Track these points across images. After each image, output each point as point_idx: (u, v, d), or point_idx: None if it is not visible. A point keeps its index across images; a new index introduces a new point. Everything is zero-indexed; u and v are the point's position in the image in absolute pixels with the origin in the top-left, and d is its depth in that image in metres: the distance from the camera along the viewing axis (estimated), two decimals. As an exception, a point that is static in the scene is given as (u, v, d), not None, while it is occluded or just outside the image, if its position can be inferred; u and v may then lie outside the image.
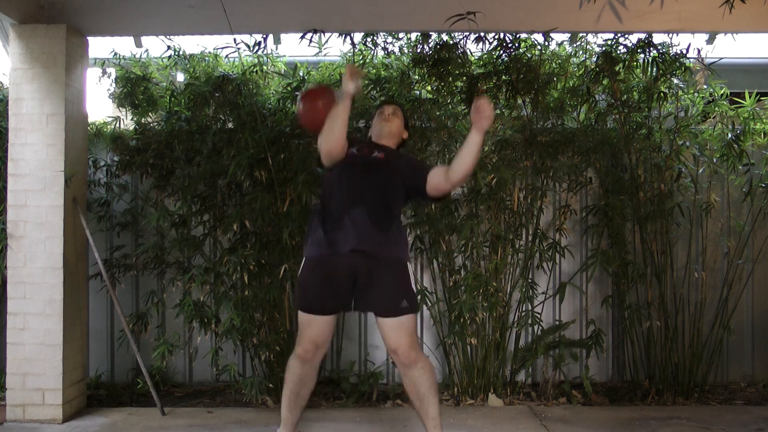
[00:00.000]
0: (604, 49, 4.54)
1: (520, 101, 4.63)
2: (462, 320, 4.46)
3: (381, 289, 2.92)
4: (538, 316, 4.67)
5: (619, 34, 4.50)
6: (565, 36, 4.89)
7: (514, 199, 4.68)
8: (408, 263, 3.07)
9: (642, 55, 4.50)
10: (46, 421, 4.07)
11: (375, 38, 4.67)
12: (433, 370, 2.99)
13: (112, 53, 4.86)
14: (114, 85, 4.88)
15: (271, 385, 4.43)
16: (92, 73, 4.75)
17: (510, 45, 4.51)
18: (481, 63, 4.66)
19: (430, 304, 4.67)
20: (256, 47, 4.54)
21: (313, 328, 2.96)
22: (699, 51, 4.57)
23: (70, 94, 4.20)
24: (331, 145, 2.86)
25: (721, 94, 4.69)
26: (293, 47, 4.99)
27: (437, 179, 2.96)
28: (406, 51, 4.77)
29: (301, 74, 4.75)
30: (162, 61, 4.89)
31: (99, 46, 4.87)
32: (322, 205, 3.04)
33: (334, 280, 2.95)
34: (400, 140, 3.25)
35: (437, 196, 3.05)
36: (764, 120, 4.73)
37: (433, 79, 4.60)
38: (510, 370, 4.81)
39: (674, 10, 3.91)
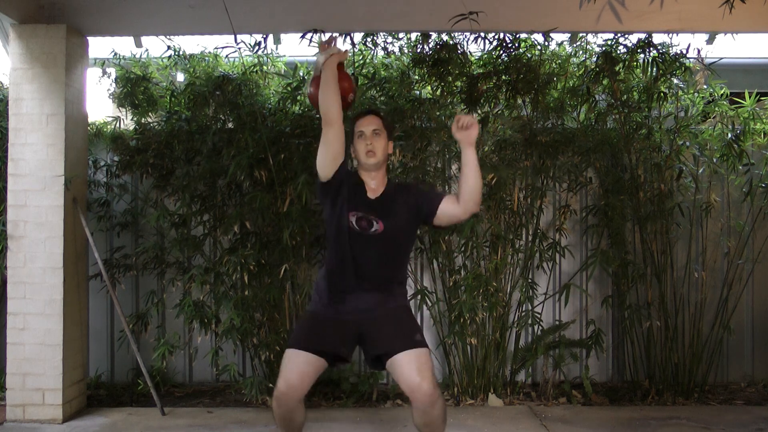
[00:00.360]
0: (604, 49, 4.54)
1: (520, 101, 4.63)
2: (462, 320, 4.46)
3: (390, 328, 2.80)
4: (539, 315, 4.67)
5: (619, 34, 4.50)
6: (565, 36, 4.89)
7: (514, 199, 4.68)
8: (410, 309, 3.00)
9: (642, 55, 4.50)
10: (46, 421, 4.07)
11: (375, 38, 4.67)
12: (445, 403, 2.85)
13: (112, 53, 4.86)
14: (114, 85, 4.88)
15: (271, 385, 4.43)
16: (92, 73, 4.76)
17: (510, 45, 4.51)
18: (481, 63, 4.66)
19: (430, 304, 4.67)
20: (256, 47, 4.54)
21: (289, 367, 2.75)
22: (699, 51, 4.57)
23: (70, 94, 4.20)
24: (327, 109, 2.78)
25: (721, 94, 4.69)
26: (293, 47, 4.99)
27: (451, 210, 2.80)
28: (406, 51, 4.77)
29: (301, 74, 4.75)
30: (162, 61, 4.89)
31: (99, 46, 4.87)
32: (328, 270, 2.90)
33: (334, 325, 2.83)
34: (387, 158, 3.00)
35: (440, 226, 2.93)
36: (764, 120, 4.73)
37: (433, 79, 4.59)
38: (510, 370, 4.81)
39: (674, 10, 3.91)
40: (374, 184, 2.89)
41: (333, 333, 2.81)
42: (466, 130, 2.67)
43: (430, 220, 2.88)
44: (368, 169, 2.88)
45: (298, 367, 2.75)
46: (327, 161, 2.83)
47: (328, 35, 2.84)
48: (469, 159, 2.71)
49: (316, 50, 4.44)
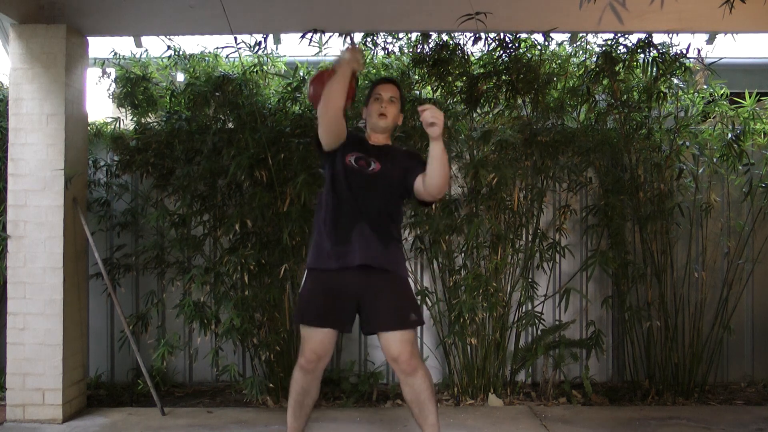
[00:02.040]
0: (604, 49, 4.54)
1: (520, 101, 4.63)
2: (462, 320, 4.46)
3: (389, 304, 2.93)
4: (541, 315, 4.67)
5: (619, 34, 4.50)
6: (565, 36, 4.89)
7: (514, 199, 4.68)
8: (407, 277, 3.09)
9: (642, 55, 4.50)
10: (46, 421, 4.07)
11: (375, 38, 4.67)
12: (431, 378, 2.98)
13: (112, 53, 4.86)
14: (114, 85, 4.88)
15: (271, 385, 4.43)
16: (92, 73, 4.76)
17: (510, 45, 4.51)
18: (482, 63, 4.66)
19: (430, 304, 4.67)
20: (256, 47, 4.54)
21: (315, 340, 2.94)
22: (699, 51, 4.56)
23: (70, 94, 4.20)
24: (328, 115, 2.83)
25: (721, 94, 4.69)
26: (293, 47, 4.99)
27: (418, 188, 2.92)
28: (406, 51, 4.77)
29: (301, 74, 4.75)
30: (162, 61, 4.89)
31: (99, 46, 4.87)
32: (324, 216, 2.99)
33: (337, 296, 2.93)
34: (395, 126, 3.16)
35: (422, 201, 3.02)
36: (764, 120, 4.73)
37: (433, 79, 4.59)
38: (510, 370, 4.81)
39: (674, 10, 3.91)
40: (377, 139, 3.07)
41: (338, 307, 2.94)
42: (429, 126, 2.67)
43: (409, 191, 2.99)
44: (375, 130, 3.05)
45: (319, 340, 2.94)
46: (329, 142, 2.96)
47: (351, 40, 2.89)
48: (434, 153, 2.73)
49: (316, 49, 4.51)
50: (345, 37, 4.50)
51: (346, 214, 2.93)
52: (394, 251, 3.01)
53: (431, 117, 2.64)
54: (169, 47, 4.74)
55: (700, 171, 4.82)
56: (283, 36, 5.15)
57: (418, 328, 3.21)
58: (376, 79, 3.20)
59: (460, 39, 4.58)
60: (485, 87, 4.54)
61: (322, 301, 2.94)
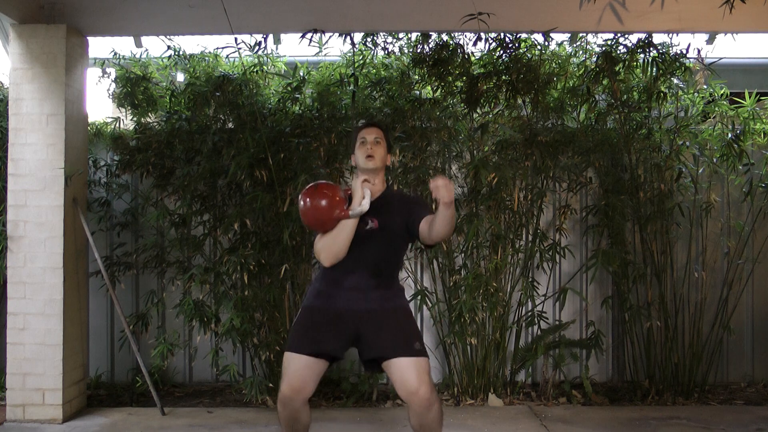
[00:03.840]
0: (604, 49, 4.54)
1: (520, 101, 4.63)
2: (462, 320, 4.46)
3: (388, 331, 2.81)
4: (545, 314, 4.67)
5: (619, 34, 4.49)
6: (565, 36, 4.89)
7: (515, 199, 4.68)
8: (410, 310, 2.99)
9: (642, 55, 4.49)
10: (46, 421, 4.07)
11: (375, 38, 4.67)
12: (442, 407, 2.85)
13: (112, 53, 4.85)
14: (114, 85, 4.88)
15: (271, 385, 4.43)
16: (92, 73, 4.76)
17: (510, 45, 4.51)
18: (482, 63, 4.66)
19: (430, 305, 4.67)
20: (256, 47, 4.54)
21: (291, 369, 2.79)
22: (699, 51, 4.57)
23: (70, 94, 4.20)
24: (332, 260, 2.80)
25: (721, 94, 4.69)
26: (293, 47, 4.99)
27: (423, 232, 2.82)
28: (406, 51, 4.77)
29: (301, 74, 4.75)
30: (162, 61, 4.89)
31: (99, 46, 4.87)
32: (323, 268, 2.91)
33: (330, 324, 2.83)
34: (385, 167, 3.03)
35: (425, 243, 2.94)
36: (764, 120, 4.73)
37: (433, 79, 4.59)
38: (510, 370, 4.81)
39: (674, 10, 3.92)
40: (372, 188, 2.89)
41: (330, 333, 2.82)
42: (441, 195, 2.57)
43: (411, 237, 2.90)
44: (366, 174, 2.89)
45: (300, 370, 2.78)
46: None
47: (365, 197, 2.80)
48: (442, 215, 2.64)
49: (316, 49, 4.51)
50: (345, 37, 4.50)
51: (343, 267, 2.84)
52: (395, 289, 2.93)
53: (445, 190, 2.52)
54: (169, 47, 4.74)
55: (700, 171, 4.81)
56: (283, 36, 5.15)
57: (418, 323, 3.10)
58: (359, 125, 3.04)
59: (460, 39, 4.58)
60: (485, 87, 4.54)
61: (309, 329, 2.85)
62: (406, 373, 2.72)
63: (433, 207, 2.79)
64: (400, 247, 2.96)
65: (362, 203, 2.76)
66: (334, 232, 2.78)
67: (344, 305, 2.83)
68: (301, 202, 2.80)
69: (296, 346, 2.82)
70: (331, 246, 2.80)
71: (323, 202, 2.76)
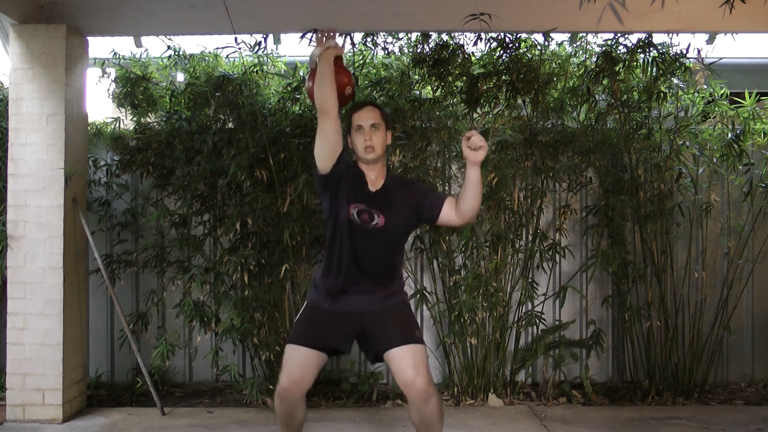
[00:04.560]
0: (604, 49, 4.54)
1: (520, 101, 4.63)
2: (462, 320, 4.46)
3: (389, 325, 2.82)
4: (542, 315, 4.67)
5: (619, 34, 4.50)
6: (565, 36, 4.89)
7: (515, 199, 4.68)
8: (410, 305, 3.01)
9: (642, 55, 4.49)
10: (46, 421, 4.07)
11: (375, 38, 4.67)
12: (441, 400, 2.86)
13: (112, 53, 4.85)
14: (114, 85, 4.88)
15: (271, 386, 4.43)
16: (92, 73, 4.76)
17: (510, 45, 4.51)
18: (482, 63, 4.66)
19: (430, 305, 4.67)
20: (256, 47, 4.54)
21: (292, 362, 2.79)
22: (699, 51, 4.56)
23: (70, 94, 4.20)
24: (324, 95, 2.74)
25: (721, 94, 4.69)
26: (293, 47, 5.00)
27: (450, 216, 2.82)
28: (406, 51, 4.77)
29: (301, 74, 4.74)
30: (162, 61, 4.89)
31: (99, 46, 4.87)
32: (326, 259, 2.90)
33: (334, 320, 2.84)
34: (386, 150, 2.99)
35: (446, 225, 2.95)
36: (764, 120, 4.73)
37: (433, 79, 4.59)
38: (510, 370, 4.81)
39: (674, 10, 3.92)
40: (374, 176, 2.88)
41: (333, 327, 2.82)
42: (474, 150, 2.63)
43: (432, 223, 2.91)
44: (367, 162, 2.87)
45: (300, 362, 2.77)
46: (325, 153, 2.80)
47: (324, 31, 2.80)
48: (472, 177, 2.68)
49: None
50: (345, 37, 4.50)
51: (347, 266, 2.82)
52: (397, 291, 2.93)
53: (480, 141, 2.58)
54: (169, 47, 4.74)
55: (700, 171, 4.81)
56: (283, 36, 5.15)
57: (418, 323, 3.12)
58: (351, 106, 3.00)
59: (460, 39, 4.58)
60: (485, 87, 4.54)
61: (312, 322, 2.86)
62: (403, 362, 2.72)
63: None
64: (403, 240, 2.96)
65: (314, 51, 2.80)
66: (316, 85, 2.76)
67: (350, 308, 2.84)
68: (308, 83, 2.93)
69: (299, 338, 2.82)
70: (318, 85, 2.75)
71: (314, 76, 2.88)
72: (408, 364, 2.71)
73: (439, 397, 2.80)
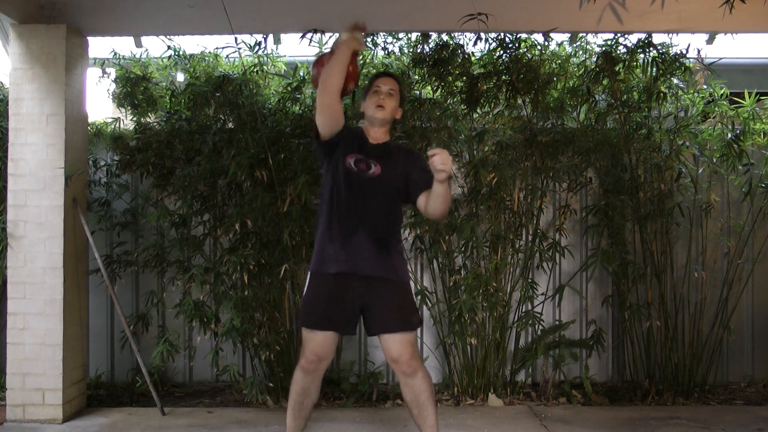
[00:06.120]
0: (604, 49, 4.54)
1: (520, 101, 4.63)
2: (462, 320, 4.46)
3: (391, 308, 2.95)
4: (540, 315, 4.67)
5: (619, 34, 4.50)
6: (565, 36, 4.89)
7: (514, 199, 4.68)
8: (409, 281, 3.10)
9: (642, 55, 4.49)
10: (46, 421, 4.07)
11: (375, 38, 4.67)
12: (431, 379, 3.00)
13: (112, 53, 4.86)
14: (114, 85, 4.88)
15: (271, 385, 4.43)
16: (92, 73, 4.76)
17: (510, 45, 4.51)
18: (482, 63, 4.66)
19: (430, 305, 4.67)
20: (257, 47, 4.54)
21: (315, 342, 2.96)
22: (699, 51, 4.57)
23: (70, 94, 4.20)
24: (325, 95, 2.82)
25: (721, 94, 4.69)
26: (293, 47, 5.00)
27: (420, 206, 2.95)
28: (406, 51, 4.77)
29: (301, 74, 4.75)
30: (162, 61, 4.89)
31: (99, 46, 4.88)
32: (325, 218, 2.98)
33: (339, 299, 2.94)
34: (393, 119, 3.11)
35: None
36: (764, 120, 4.73)
37: (433, 79, 4.59)
38: (510, 370, 4.81)
39: (674, 10, 3.91)
40: (376, 135, 3.01)
41: (339, 311, 2.95)
42: (438, 170, 2.66)
43: (407, 201, 3.02)
44: (373, 123, 3.01)
45: (320, 342, 2.96)
46: (325, 129, 2.93)
47: (360, 24, 2.95)
48: (438, 191, 2.77)
49: (316, 49, 4.51)
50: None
51: (345, 217, 2.92)
52: (395, 255, 3.01)
53: (441, 164, 2.64)
54: (169, 47, 4.74)
55: (700, 171, 4.82)
56: (283, 36, 5.15)
57: (418, 329, 3.20)
58: (376, 73, 3.16)
59: (460, 39, 4.58)
60: (485, 87, 4.54)
61: (324, 305, 2.96)
62: (393, 344, 2.92)
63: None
64: (400, 198, 3.02)
65: (342, 35, 2.88)
66: (324, 70, 2.86)
67: (349, 268, 2.91)
68: (314, 70, 3.02)
69: (311, 322, 2.97)
70: (324, 76, 2.84)
71: (321, 64, 2.97)
72: (396, 343, 2.91)
73: (427, 374, 2.97)
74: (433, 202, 2.82)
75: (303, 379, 3.00)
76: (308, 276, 3.04)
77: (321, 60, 3.01)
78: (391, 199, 2.98)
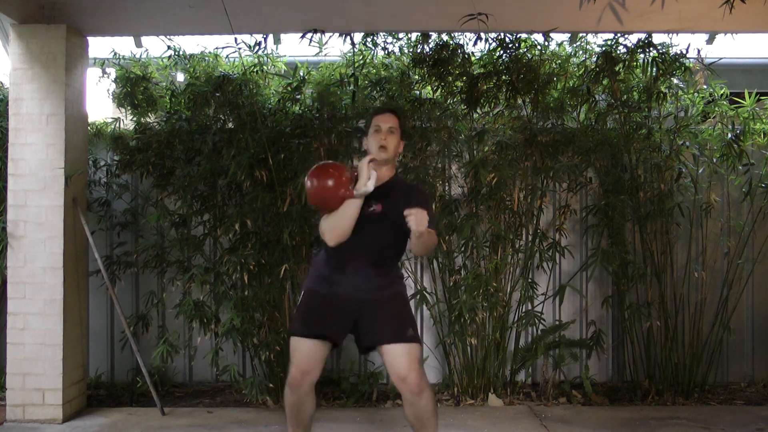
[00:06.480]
0: (604, 49, 4.54)
1: (520, 101, 4.63)
2: (462, 320, 4.46)
3: (385, 318, 2.90)
4: (541, 315, 4.67)
5: (619, 34, 4.50)
6: (565, 36, 4.89)
7: (514, 199, 4.68)
8: (407, 296, 3.06)
9: (642, 55, 4.49)
10: (46, 421, 4.07)
11: (375, 38, 4.67)
12: (434, 396, 2.93)
13: (112, 53, 4.85)
14: (114, 85, 4.88)
15: (271, 385, 4.43)
16: (92, 73, 4.76)
17: (510, 45, 4.51)
18: (482, 63, 4.66)
19: (430, 304, 4.67)
20: (257, 47, 4.54)
21: (300, 353, 2.89)
22: (699, 51, 4.57)
23: (70, 94, 4.20)
24: (336, 240, 2.84)
25: (721, 94, 4.69)
26: (293, 47, 4.99)
27: (411, 240, 2.89)
28: (406, 51, 4.77)
29: (301, 74, 4.75)
30: (162, 61, 4.89)
31: (99, 46, 4.87)
32: (326, 251, 2.98)
33: (330, 305, 2.91)
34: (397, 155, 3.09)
35: None
36: (764, 120, 4.73)
37: (433, 79, 4.59)
38: (510, 370, 4.80)
39: (674, 10, 3.92)
40: (380, 173, 2.97)
41: (331, 317, 2.90)
42: (411, 224, 2.66)
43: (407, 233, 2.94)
44: (377, 162, 2.96)
45: (307, 353, 2.89)
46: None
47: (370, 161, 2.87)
48: (414, 240, 2.75)
49: (316, 49, 4.51)
50: (345, 37, 4.50)
51: (345, 250, 2.88)
52: (395, 280, 3.00)
53: (415, 225, 2.64)
54: (169, 47, 4.74)
55: (700, 171, 4.81)
56: (283, 36, 5.15)
57: (418, 323, 3.17)
58: (375, 108, 3.16)
59: (460, 39, 4.58)
60: (485, 87, 4.54)
61: (312, 312, 2.93)
62: (398, 359, 2.82)
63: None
64: (400, 234, 2.97)
65: (367, 183, 2.80)
66: (339, 212, 2.83)
67: (345, 292, 2.90)
68: (308, 182, 2.86)
69: (301, 329, 2.92)
70: (335, 225, 2.84)
71: (329, 182, 2.81)
72: (402, 359, 2.82)
73: (432, 393, 2.89)
74: (414, 244, 2.80)
75: (290, 396, 2.92)
76: (302, 293, 3.03)
77: (321, 173, 2.84)
78: (390, 233, 2.94)
